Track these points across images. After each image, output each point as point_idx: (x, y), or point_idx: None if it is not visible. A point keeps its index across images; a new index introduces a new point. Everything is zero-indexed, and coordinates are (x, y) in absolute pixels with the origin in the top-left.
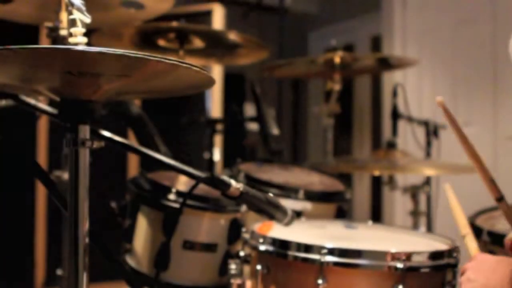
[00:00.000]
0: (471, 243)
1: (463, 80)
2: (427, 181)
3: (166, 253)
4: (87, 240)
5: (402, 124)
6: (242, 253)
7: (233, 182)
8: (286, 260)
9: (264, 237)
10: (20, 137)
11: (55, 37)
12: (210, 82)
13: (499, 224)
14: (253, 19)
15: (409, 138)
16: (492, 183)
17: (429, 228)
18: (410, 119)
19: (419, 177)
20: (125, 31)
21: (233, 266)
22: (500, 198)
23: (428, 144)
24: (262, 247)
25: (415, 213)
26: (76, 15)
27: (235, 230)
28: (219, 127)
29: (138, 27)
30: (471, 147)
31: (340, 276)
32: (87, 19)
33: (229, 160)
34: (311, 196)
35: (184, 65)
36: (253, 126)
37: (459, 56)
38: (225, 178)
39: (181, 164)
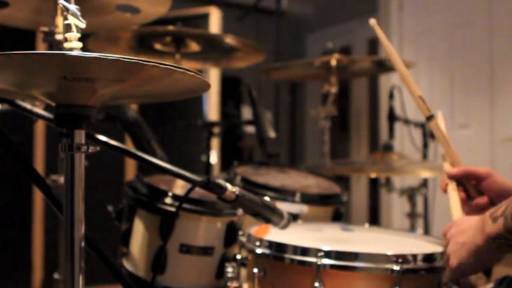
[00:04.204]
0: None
1: (460, 82)
2: (424, 183)
3: (162, 256)
4: (83, 244)
5: (399, 126)
6: (238, 256)
7: (228, 185)
8: (283, 263)
9: (261, 240)
10: (17, 141)
11: (51, 42)
12: (206, 86)
13: None
14: (249, 22)
15: (406, 140)
16: (420, 100)
17: (426, 230)
18: (406, 122)
19: (416, 179)
20: (121, 35)
21: (229, 270)
22: (429, 117)
23: (425, 146)
24: (259, 250)
25: (412, 215)
26: (71, 20)
27: (231, 233)
28: (216, 130)
29: (135, 31)
30: (400, 63)
31: (336, 279)
32: (82, 24)
33: (226, 163)
34: (307, 199)
35: (179, 69)
36: (250, 129)
37: (456, 58)
38: (220, 181)
39: (177, 168)
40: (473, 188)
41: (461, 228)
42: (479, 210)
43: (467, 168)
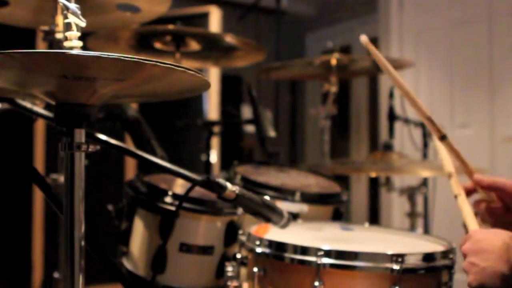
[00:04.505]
0: (465, 205)
1: (460, 81)
2: (424, 182)
3: (162, 256)
4: (83, 243)
5: (399, 126)
6: (238, 256)
7: (228, 184)
8: (283, 262)
9: (261, 240)
10: (17, 140)
11: (51, 41)
12: (206, 85)
13: None
14: (250, 21)
15: (406, 140)
16: (430, 121)
17: (426, 229)
18: (406, 121)
19: (416, 179)
20: (121, 34)
21: (229, 269)
22: (442, 137)
23: (425, 145)
24: (259, 250)
25: (412, 214)
26: (71, 19)
27: (231, 232)
28: (216, 129)
29: (135, 30)
30: (403, 86)
31: (336, 278)
32: (82, 23)
33: (226, 162)
34: (307, 198)
35: (180, 68)
36: (250, 128)
37: (456, 57)
38: (220, 180)
39: (177, 167)
40: (498, 199)
41: (479, 247)
42: (506, 223)
43: (495, 180)
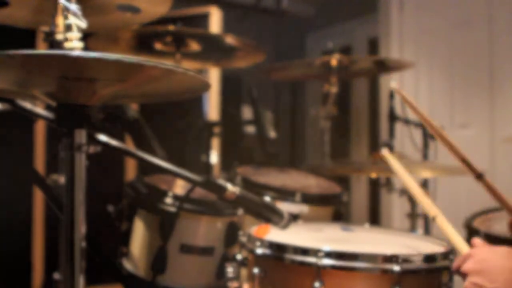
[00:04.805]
0: (444, 225)
1: (460, 82)
2: (424, 183)
3: (163, 256)
4: (83, 244)
5: (399, 127)
6: (239, 257)
7: (229, 185)
8: (283, 263)
9: (261, 241)
10: (17, 140)
11: (52, 42)
12: (206, 86)
13: (496, 225)
14: (250, 21)
15: (406, 140)
16: (465, 163)
17: (426, 230)
18: (407, 122)
19: (416, 179)
20: (121, 35)
21: (230, 270)
22: (479, 176)
23: (425, 146)
24: (259, 251)
25: (412, 215)
26: (72, 20)
27: (232, 233)
28: (216, 130)
29: (135, 31)
30: (438, 131)
31: (337, 279)
32: (83, 24)
33: (226, 163)
34: (308, 199)
35: (179, 70)
36: (250, 129)
37: (456, 58)
38: (221, 182)
39: (178, 168)
40: None
41: (484, 268)
42: None
43: None
